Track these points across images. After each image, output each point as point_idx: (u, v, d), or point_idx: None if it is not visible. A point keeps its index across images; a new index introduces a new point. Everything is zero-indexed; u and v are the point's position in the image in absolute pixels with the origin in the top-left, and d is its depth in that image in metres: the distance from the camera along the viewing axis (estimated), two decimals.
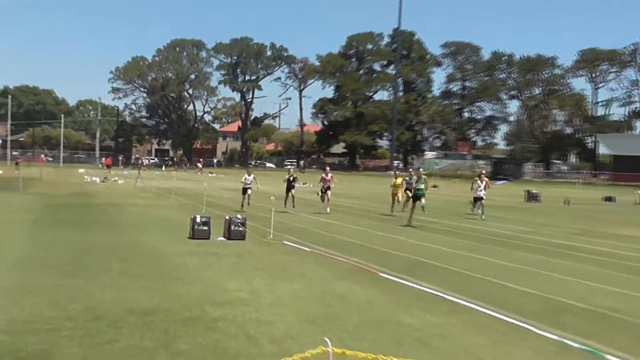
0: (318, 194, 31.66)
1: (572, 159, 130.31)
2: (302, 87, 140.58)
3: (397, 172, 36.14)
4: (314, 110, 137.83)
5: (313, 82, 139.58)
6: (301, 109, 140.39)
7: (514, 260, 17.35)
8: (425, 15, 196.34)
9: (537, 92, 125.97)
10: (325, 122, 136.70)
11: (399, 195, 32.10)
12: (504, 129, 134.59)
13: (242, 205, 31.02)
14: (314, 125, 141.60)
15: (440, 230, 24.86)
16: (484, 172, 35.51)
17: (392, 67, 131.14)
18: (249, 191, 31.44)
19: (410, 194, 30.94)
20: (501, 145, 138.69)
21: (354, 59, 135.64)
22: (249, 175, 31.68)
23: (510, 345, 9.08)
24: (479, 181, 32.14)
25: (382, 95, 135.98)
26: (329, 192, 30.69)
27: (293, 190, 31.04)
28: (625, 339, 9.59)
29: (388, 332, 9.46)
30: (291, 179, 31.04)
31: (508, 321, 10.38)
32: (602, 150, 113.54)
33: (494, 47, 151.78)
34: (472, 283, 13.71)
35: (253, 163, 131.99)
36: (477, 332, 9.71)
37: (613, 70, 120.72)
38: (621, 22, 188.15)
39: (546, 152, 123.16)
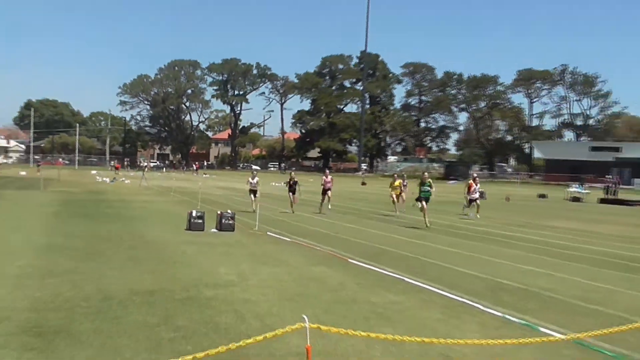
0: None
1: (512, 162, 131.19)
2: (283, 101, 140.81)
3: (396, 175, 31.81)
4: (293, 120, 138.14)
5: (292, 96, 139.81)
6: (282, 120, 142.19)
7: (464, 248, 17.39)
8: (388, 38, 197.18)
9: (483, 105, 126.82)
10: (303, 131, 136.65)
11: (394, 195, 29.66)
12: (454, 136, 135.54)
13: (253, 206, 25.81)
14: (293, 133, 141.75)
15: (403, 222, 24.90)
16: (475, 174, 33.43)
17: (360, 84, 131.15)
18: (257, 194, 27.71)
19: (405, 197, 30.36)
20: (452, 150, 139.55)
21: (327, 77, 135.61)
22: (253, 178, 27.85)
23: (459, 319, 9.13)
24: (473, 184, 29.28)
25: (351, 107, 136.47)
26: (329, 193, 28.16)
27: (295, 193, 27.69)
28: (554, 314, 9.67)
29: (356, 310, 9.49)
30: (292, 182, 27.71)
31: (457, 299, 10.43)
32: (537, 154, 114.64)
33: (446, 67, 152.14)
34: (428, 267, 13.75)
35: (241, 165, 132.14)
36: (431, 308, 9.75)
37: (545, 87, 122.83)
38: (553, 46, 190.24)
39: (490, 156, 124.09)
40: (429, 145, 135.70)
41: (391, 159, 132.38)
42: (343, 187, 60.25)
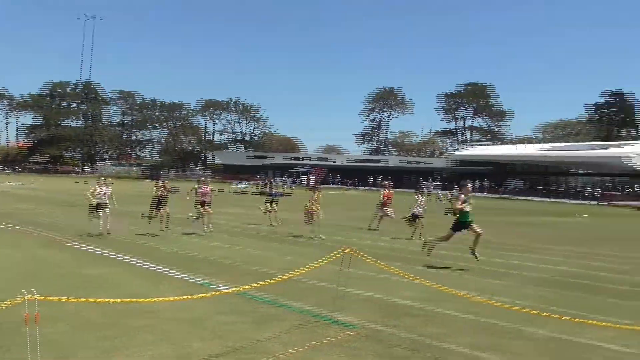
0: (192, 216, 16.98)
1: (200, 166, 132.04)
2: (18, 116, 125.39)
3: (319, 187, 20.28)
4: (27, 132, 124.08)
5: (25, 113, 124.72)
6: (17, 131, 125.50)
7: (172, 231, 17.12)
8: (107, 68, 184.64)
9: (178, 124, 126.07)
10: (35, 140, 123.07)
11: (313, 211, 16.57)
12: (157, 146, 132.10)
13: (100, 226, 14.94)
14: (28, 143, 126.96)
15: (123, 214, 23.64)
16: (419, 184, 20.47)
17: (83, 104, 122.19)
18: (107, 210, 15.01)
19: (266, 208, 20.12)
20: (156, 157, 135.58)
21: (56, 98, 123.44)
22: (103, 186, 15.22)
23: (157, 284, 9.08)
24: (417, 196, 17.00)
25: (76, 123, 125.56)
26: (208, 207, 16.67)
27: (166, 207, 16.25)
28: (226, 274, 10.07)
29: (76, 280, 8.94)
30: (161, 194, 16.24)
31: (159, 269, 10.34)
32: (217, 160, 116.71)
33: (152, 94, 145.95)
34: (136, 247, 13.39)
35: None
36: (136, 277, 9.56)
37: (223, 113, 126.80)
38: (229, 80, 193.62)
39: (184, 162, 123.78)
40: (138, 153, 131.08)
41: (108, 163, 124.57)
42: (60, 186, 55.35)
